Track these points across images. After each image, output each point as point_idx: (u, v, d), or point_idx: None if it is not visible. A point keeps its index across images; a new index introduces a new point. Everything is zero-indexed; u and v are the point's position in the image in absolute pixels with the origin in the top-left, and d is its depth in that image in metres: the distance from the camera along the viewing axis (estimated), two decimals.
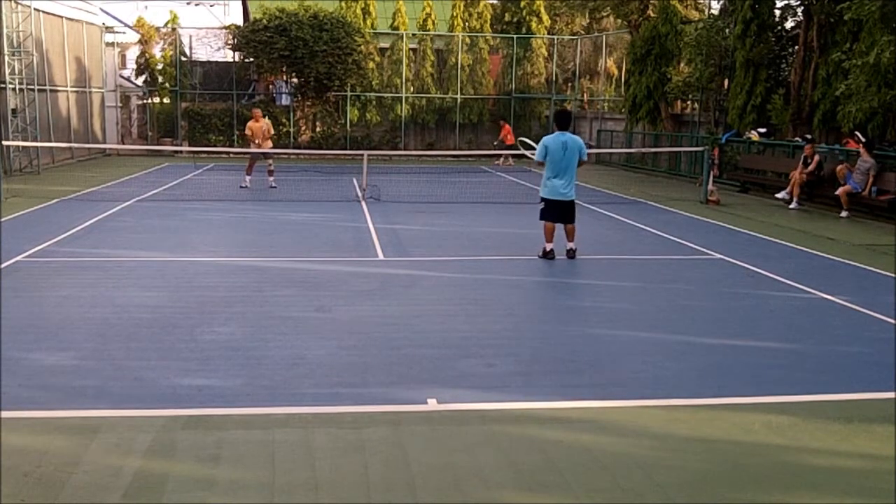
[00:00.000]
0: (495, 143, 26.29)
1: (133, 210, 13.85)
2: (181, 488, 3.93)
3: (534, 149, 11.54)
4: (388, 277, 8.86)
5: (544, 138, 10.07)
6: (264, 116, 18.71)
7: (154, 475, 4.06)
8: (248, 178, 17.62)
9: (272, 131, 18.11)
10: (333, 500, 3.86)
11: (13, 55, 19.54)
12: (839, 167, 14.89)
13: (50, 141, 20.90)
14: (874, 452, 4.52)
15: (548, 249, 9.99)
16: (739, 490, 4.03)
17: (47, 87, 21.64)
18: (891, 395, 5.41)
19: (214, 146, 26.06)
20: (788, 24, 20.09)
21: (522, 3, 29.76)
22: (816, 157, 15.61)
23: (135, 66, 29.46)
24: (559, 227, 10.04)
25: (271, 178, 17.73)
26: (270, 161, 18.09)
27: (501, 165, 25.14)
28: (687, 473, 4.20)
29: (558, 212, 10.01)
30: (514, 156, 24.46)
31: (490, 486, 4.02)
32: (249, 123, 17.79)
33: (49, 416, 4.80)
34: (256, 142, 17.49)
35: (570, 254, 10.06)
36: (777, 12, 19.63)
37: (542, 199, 10.08)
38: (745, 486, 4.08)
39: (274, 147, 19.13)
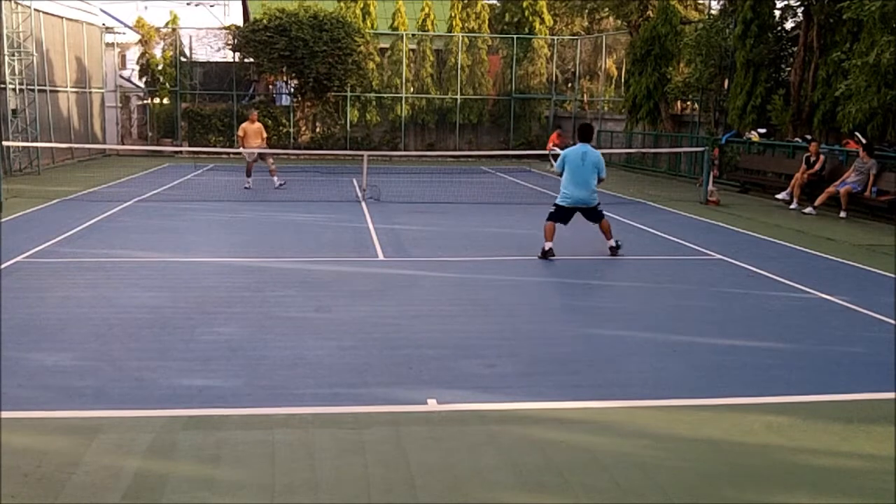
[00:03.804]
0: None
1: (133, 210, 13.85)
2: (181, 488, 3.93)
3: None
4: (388, 277, 8.86)
5: (565, 150, 10.59)
6: (259, 119, 18.94)
7: (154, 475, 4.05)
8: (249, 179, 17.70)
9: (264, 134, 18.29)
10: (333, 500, 3.86)
11: (13, 55, 19.53)
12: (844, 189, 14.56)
13: (50, 141, 20.88)
14: (874, 452, 4.52)
15: (546, 249, 10.01)
16: (739, 490, 4.03)
17: (47, 88, 21.64)
18: (891, 395, 5.41)
19: (214, 147, 26.07)
20: (788, 25, 20.09)
21: (525, 4, 29.76)
22: (822, 157, 15.59)
23: (136, 67, 29.46)
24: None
25: (275, 178, 17.86)
26: (271, 160, 18.21)
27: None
28: (687, 473, 4.20)
29: (569, 217, 10.37)
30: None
31: (490, 487, 4.02)
32: (244, 125, 18.07)
33: (49, 416, 4.80)
34: (244, 143, 17.74)
35: (613, 251, 10.32)
36: (777, 13, 19.63)
37: (555, 206, 10.37)
38: (745, 486, 4.08)
39: (272, 147, 19.23)
